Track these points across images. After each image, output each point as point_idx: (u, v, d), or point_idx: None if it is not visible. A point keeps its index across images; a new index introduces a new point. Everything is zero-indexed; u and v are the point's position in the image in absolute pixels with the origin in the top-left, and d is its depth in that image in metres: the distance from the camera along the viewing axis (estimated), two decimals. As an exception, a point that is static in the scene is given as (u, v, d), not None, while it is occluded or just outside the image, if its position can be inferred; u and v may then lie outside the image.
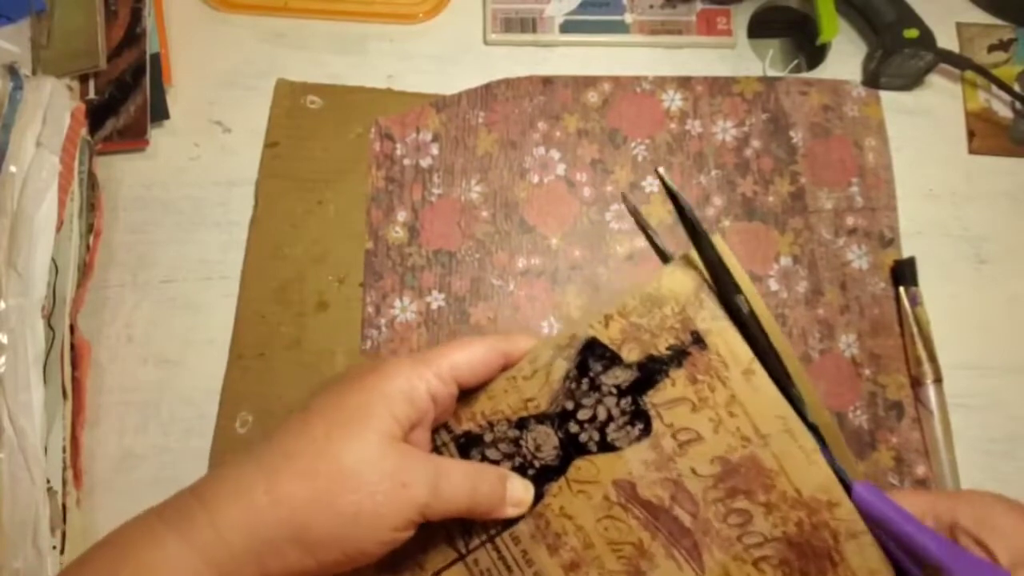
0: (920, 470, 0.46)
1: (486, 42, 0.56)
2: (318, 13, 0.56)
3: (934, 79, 0.55)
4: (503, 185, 0.51)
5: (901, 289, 0.49)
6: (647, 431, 0.35)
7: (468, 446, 0.36)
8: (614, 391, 0.35)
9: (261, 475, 0.31)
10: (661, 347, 0.35)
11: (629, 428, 0.35)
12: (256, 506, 0.31)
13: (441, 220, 0.51)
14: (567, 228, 0.51)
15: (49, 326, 0.45)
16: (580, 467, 0.35)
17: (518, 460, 0.36)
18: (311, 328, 0.49)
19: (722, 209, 0.51)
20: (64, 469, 0.44)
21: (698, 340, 0.34)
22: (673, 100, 0.53)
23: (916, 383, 0.48)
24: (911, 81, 0.55)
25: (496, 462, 0.36)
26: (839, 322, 0.49)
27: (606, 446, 0.35)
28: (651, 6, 0.56)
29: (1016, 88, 0.54)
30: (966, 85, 0.55)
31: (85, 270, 0.48)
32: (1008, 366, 0.49)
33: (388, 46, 0.56)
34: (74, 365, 0.46)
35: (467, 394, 0.36)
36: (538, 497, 0.35)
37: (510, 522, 0.35)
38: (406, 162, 0.52)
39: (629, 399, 0.35)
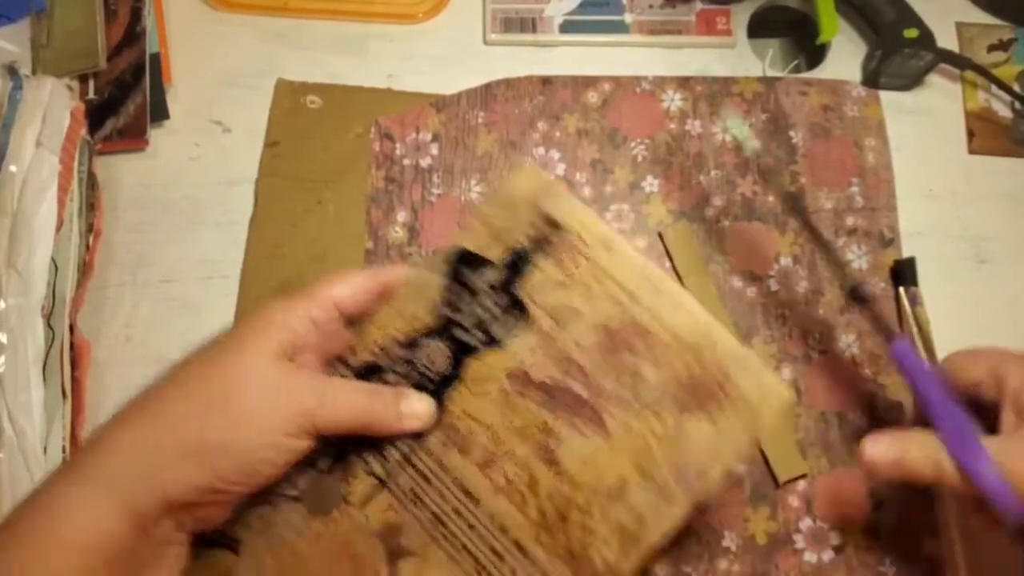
0: (920, 470, 0.46)
1: (486, 42, 0.56)
2: (318, 13, 0.56)
3: (934, 79, 0.55)
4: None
5: (901, 289, 0.49)
6: (526, 319, 0.37)
7: (367, 376, 0.38)
8: (488, 290, 0.38)
9: (144, 401, 0.34)
10: (523, 240, 0.38)
11: (509, 320, 0.37)
12: (141, 424, 0.33)
13: (441, 220, 0.51)
14: (567, 228, 0.51)
15: (49, 326, 0.45)
16: (473, 368, 0.37)
17: (416, 377, 0.37)
18: (311, 328, 0.49)
19: (722, 209, 0.51)
20: (64, 469, 0.44)
21: (554, 225, 0.37)
22: (673, 100, 0.53)
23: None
24: (911, 81, 0.55)
25: (398, 384, 0.38)
26: (839, 322, 0.49)
27: (492, 342, 0.37)
28: (651, 6, 0.56)
29: (1016, 88, 0.54)
30: (966, 85, 0.55)
31: (85, 270, 0.48)
32: (1008, 366, 0.49)
33: (388, 46, 0.56)
34: (74, 365, 0.46)
35: (358, 329, 0.38)
36: (442, 407, 0.37)
37: (421, 438, 0.37)
38: (406, 162, 0.52)
39: (504, 294, 0.37)
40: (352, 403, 0.35)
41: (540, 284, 0.37)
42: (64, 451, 0.44)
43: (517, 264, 0.38)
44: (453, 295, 0.38)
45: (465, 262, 0.38)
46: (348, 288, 0.37)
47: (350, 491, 0.37)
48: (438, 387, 0.37)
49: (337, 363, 0.38)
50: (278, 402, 0.34)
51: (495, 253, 0.38)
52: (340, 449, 0.37)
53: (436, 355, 0.38)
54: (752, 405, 0.35)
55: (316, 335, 0.36)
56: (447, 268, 0.38)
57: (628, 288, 0.37)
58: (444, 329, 0.38)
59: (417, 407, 0.37)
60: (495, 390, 0.37)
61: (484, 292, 0.38)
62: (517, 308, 0.37)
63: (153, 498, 0.33)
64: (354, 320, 0.38)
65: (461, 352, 0.37)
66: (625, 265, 0.37)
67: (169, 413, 0.33)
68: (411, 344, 0.38)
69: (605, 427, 0.36)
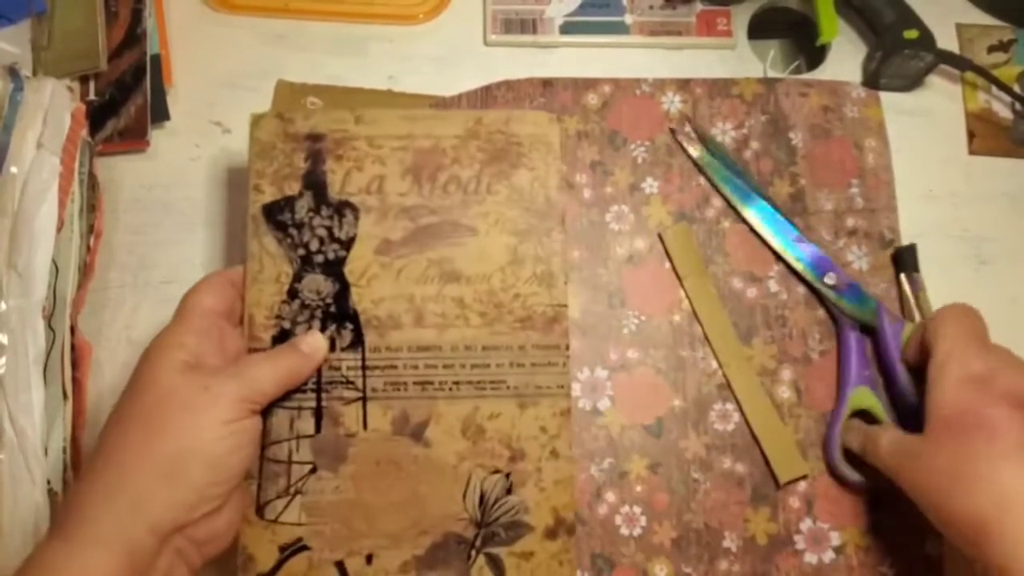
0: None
1: (486, 43, 0.56)
2: (318, 14, 0.56)
3: (934, 80, 0.55)
4: (503, 186, 0.52)
5: (902, 276, 0.49)
6: (355, 210, 0.43)
7: (283, 341, 0.42)
8: (312, 214, 0.43)
9: (100, 450, 0.36)
10: (302, 165, 0.43)
11: (344, 220, 0.43)
12: (104, 471, 0.35)
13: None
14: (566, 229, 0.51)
15: (49, 327, 0.45)
16: (352, 271, 0.42)
17: (319, 313, 0.42)
18: (311, 329, 0.49)
19: (721, 210, 0.51)
20: (64, 470, 0.44)
21: (312, 138, 0.43)
22: (673, 102, 0.53)
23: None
24: (911, 82, 0.55)
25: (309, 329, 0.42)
26: (843, 324, 0.49)
27: (347, 244, 0.42)
28: (651, 7, 0.56)
29: (1016, 89, 0.54)
30: (966, 86, 0.55)
31: (85, 271, 0.48)
32: (1008, 367, 0.49)
33: (388, 47, 0.56)
34: (74, 366, 0.46)
35: (245, 320, 0.42)
36: (355, 314, 0.42)
37: (360, 347, 0.42)
38: (406, 163, 0.52)
39: (325, 207, 0.43)
40: (265, 370, 0.38)
41: (341, 181, 0.43)
42: (64, 452, 0.44)
43: (314, 183, 0.43)
44: (290, 238, 0.42)
45: (276, 212, 0.43)
46: (209, 294, 0.40)
47: (347, 426, 0.41)
48: (339, 303, 0.42)
49: (252, 352, 0.41)
50: (205, 401, 0.36)
51: (292, 189, 0.43)
52: (315, 408, 0.41)
53: (317, 285, 0.42)
54: (537, 136, 0.44)
55: (208, 342, 0.38)
56: (268, 227, 0.42)
57: (397, 134, 0.44)
58: (307, 265, 0.42)
59: (311, 341, 0.41)
60: (377, 270, 0.42)
61: (310, 218, 0.43)
62: (343, 209, 0.43)
63: (142, 530, 0.33)
64: (232, 315, 0.41)
65: (333, 267, 0.42)
66: (382, 122, 0.44)
67: (123, 452, 0.35)
68: (293, 295, 0.42)
69: (469, 227, 0.43)
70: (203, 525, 0.36)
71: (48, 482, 0.43)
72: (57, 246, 0.46)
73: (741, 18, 0.57)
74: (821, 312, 0.49)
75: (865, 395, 0.46)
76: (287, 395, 0.40)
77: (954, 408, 0.38)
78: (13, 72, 0.48)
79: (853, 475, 0.45)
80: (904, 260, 0.49)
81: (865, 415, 0.46)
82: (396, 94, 0.54)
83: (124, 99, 0.51)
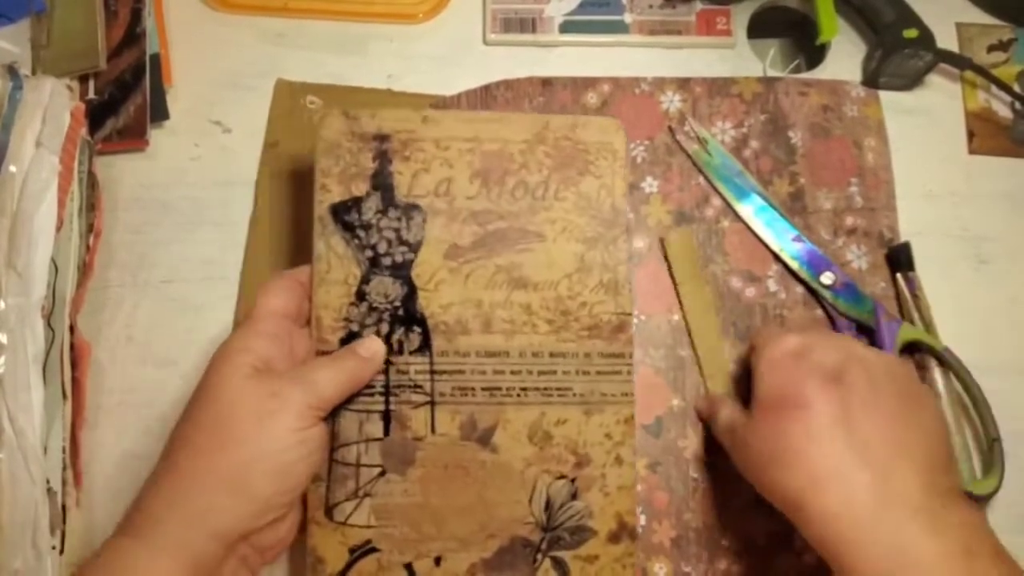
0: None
1: (486, 42, 0.56)
2: (318, 13, 0.56)
3: (934, 79, 0.55)
4: (502, 185, 0.52)
5: (898, 275, 0.49)
6: (423, 213, 0.42)
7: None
8: (379, 215, 0.42)
9: (162, 464, 0.36)
10: (370, 165, 0.42)
11: (412, 222, 0.42)
12: (172, 478, 0.35)
13: (440, 220, 0.51)
14: (566, 228, 0.51)
15: (49, 326, 0.45)
16: (418, 274, 0.42)
17: (387, 316, 0.41)
18: (311, 328, 0.49)
19: (721, 209, 0.51)
20: (64, 469, 0.44)
21: (380, 138, 0.43)
22: (672, 101, 0.53)
23: (919, 367, 0.48)
24: (911, 81, 0.55)
25: (376, 334, 0.42)
26: (839, 323, 0.49)
27: (415, 247, 0.42)
28: (651, 6, 0.56)
29: (1016, 88, 0.54)
30: (966, 85, 0.55)
31: (85, 270, 0.48)
32: (1009, 366, 0.49)
33: (388, 46, 0.56)
34: (74, 365, 0.46)
35: (313, 322, 0.41)
36: (423, 318, 0.42)
37: (428, 351, 0.42)
38: (405, 162, 0.52)
39: (392, 208, 0.42)
40: (328, 374, 0.38)
41: (409, 182, 0.42)
42: (64, 451, 0.44)
43: (381, 183, 0.42)
44: (358, 239, 0.42)
45: (343, 212, 0.42)
46: (279, 296, 0.40)
47: (415, 430, 0.41)
48: (407, 307, 0.42)
49: (320, 355, 0.41)
50: (273, 408, 0.35)
51: (360, 189, 0.42)
52: (383, 412, 0.41)
53: (385, 288, 0.42)
54: (603, 143, 0.44)
55: (275, 346, 0.38)
56: (336, 227, 0.42)
57: (464, 136, 0.43)
58: (375, 267, 0.42)
59: (369, 345, 0.40)
60: (445, 274, 0.42)
61: (378, 219, 0.42)
62: (410, 211, 0.42)
63: (206, 539, 0.34)
64: (301, 316, 0.41)
65: (401, 271, 0.42)
66: (449, 123, 0.43)
67: (191, 460, 0.35)
68: (360, 297, 0.41)
69: (537, 233, 0.43)
70: (268, 532, 0.36)
71: (47, 481, 0.43)
72: (56, 245, 0.46)
73: (741, 17, 0.57)
74: (820, 312, 0.49)
75: None
76: (355, 398, 0.40)
77: (773, 388, 0.39)
78: (12, 71, 0.48)
79: None
80: (898, 259, 0.50)
81: None
82: (396, 93, 0.54)
83: (124, 98, 0.51)
